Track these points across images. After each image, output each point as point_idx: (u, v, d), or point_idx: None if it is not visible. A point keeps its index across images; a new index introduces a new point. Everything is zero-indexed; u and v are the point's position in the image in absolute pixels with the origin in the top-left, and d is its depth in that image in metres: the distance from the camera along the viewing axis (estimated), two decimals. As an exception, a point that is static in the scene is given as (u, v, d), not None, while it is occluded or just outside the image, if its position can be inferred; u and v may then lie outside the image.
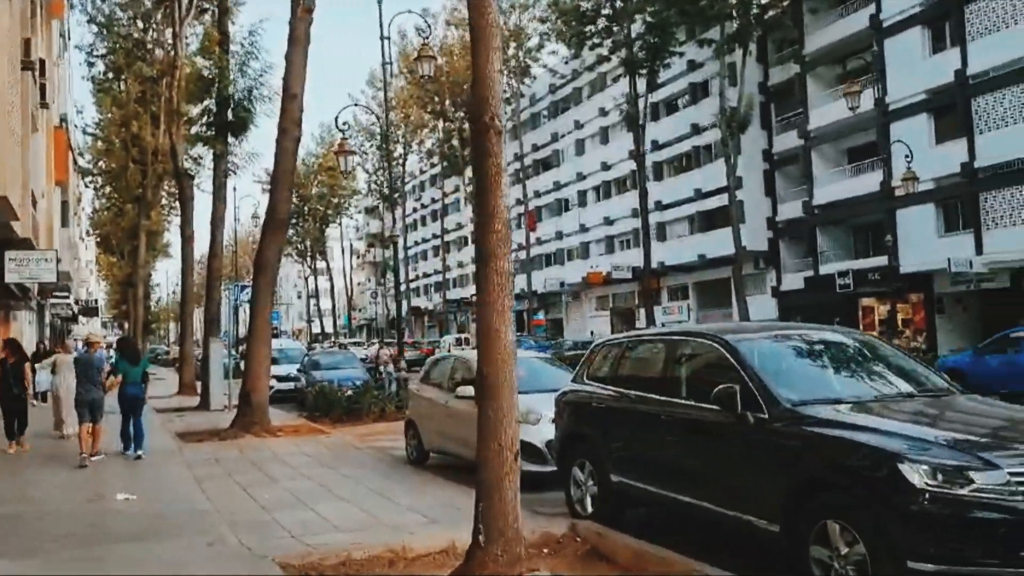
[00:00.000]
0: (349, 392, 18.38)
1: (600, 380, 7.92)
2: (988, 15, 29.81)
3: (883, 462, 4.91)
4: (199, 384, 25.94)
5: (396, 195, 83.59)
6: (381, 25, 19.34)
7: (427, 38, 19.21)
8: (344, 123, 18.38)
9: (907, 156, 25.84)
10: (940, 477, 4.70)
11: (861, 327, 36.00)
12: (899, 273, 32.97)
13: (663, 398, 6.86)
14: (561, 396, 8.44)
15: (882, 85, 33.47)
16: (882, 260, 34.37)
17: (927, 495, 4.69)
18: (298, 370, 23.90)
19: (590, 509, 7.61)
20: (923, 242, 31.87)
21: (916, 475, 4.74)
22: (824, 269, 37.55)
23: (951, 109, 31.30)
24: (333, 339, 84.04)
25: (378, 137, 67.96)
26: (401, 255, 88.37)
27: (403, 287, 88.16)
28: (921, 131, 31.35)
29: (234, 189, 26.82)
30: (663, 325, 43.25)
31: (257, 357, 15.75)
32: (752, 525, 5.76)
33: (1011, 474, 4.65)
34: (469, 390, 10.55)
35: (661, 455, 6.82)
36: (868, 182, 35.12)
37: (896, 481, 4.79)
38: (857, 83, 26.74)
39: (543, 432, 9.72)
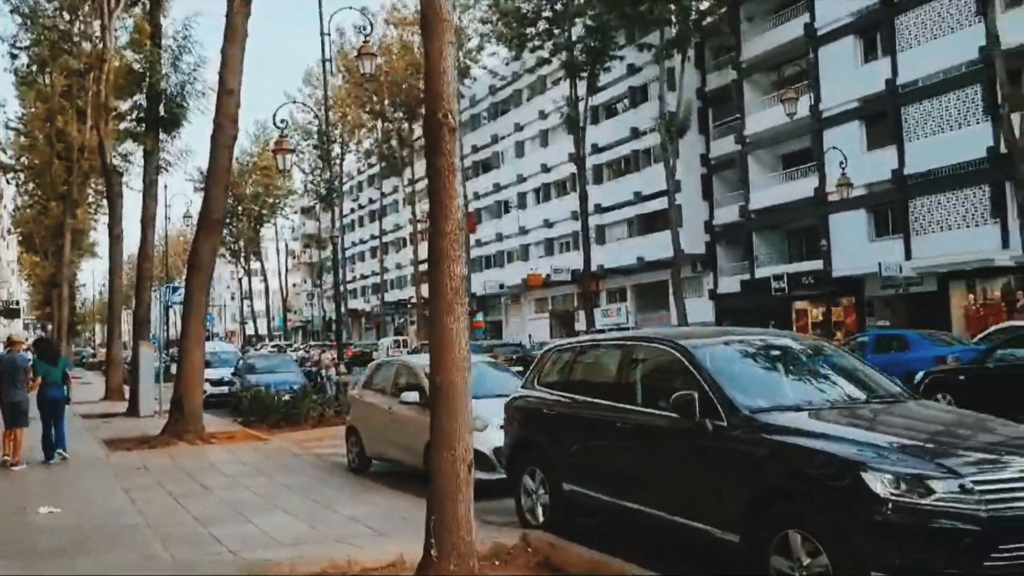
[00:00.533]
0: (287, 397, 17.87)
1: (551, 386, 7.74)
2: (918, 26, 30.67)
3: (846, 471, 4.83)
4: (127, 389, 25.09)
5: (334, 195, 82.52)
6: (321, 21, 19.04)
7: (368, 35, 18.81)
8: (282, 120, 17.86)
9: (841, 162, 26.40)
10: (903, 486, 4.64)
11: (795, 329, 36.71)
12: (831, 277, 33.74)
13: (617, 404, 6.71)
14: (511, 402, 8.24)
15: (816, 92, 34.17)
16: (815, 264, 35.17)
17: (890, 504, 4.61)
18: (232, 374, 23.22)
19: (541, 518, 7.42)
20: (855, 247, 32.62)
21: (879, 484, 4.66)
22: (760, 273, 38.18)
23: (882, 117, 32.12)
24: (274, 342, 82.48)
25: (315, 136, 66.90)
26: (339, 256, 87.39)
27: (335, 289, 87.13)
28: (853, 138, 32.09)
29: (165, 187, 26.25)
30: (605, 328, 43.51)
31: (190, 360, 15.19)
32: (711, 535, 5.64)
33: (973, 482, 4.61)
34: (414, 395, 10.30)
35: (615, 463, 6.67)
36: (802, 187, 35.86)
37: (859, 490, 4.71)
38: (793, 90, 27.22)
39: (491, 439, 9.50)
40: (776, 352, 6.66)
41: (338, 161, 76.47)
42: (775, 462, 5.26)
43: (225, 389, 23.03)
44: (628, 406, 6.61)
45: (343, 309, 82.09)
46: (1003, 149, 27.25)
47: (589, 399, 7.11)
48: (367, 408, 11.70)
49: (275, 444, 14.47)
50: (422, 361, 11.47)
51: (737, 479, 5.44)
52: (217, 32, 19.49)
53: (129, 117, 24.04)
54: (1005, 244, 27.67)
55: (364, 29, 18.77)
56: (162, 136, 22.78)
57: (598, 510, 6.95)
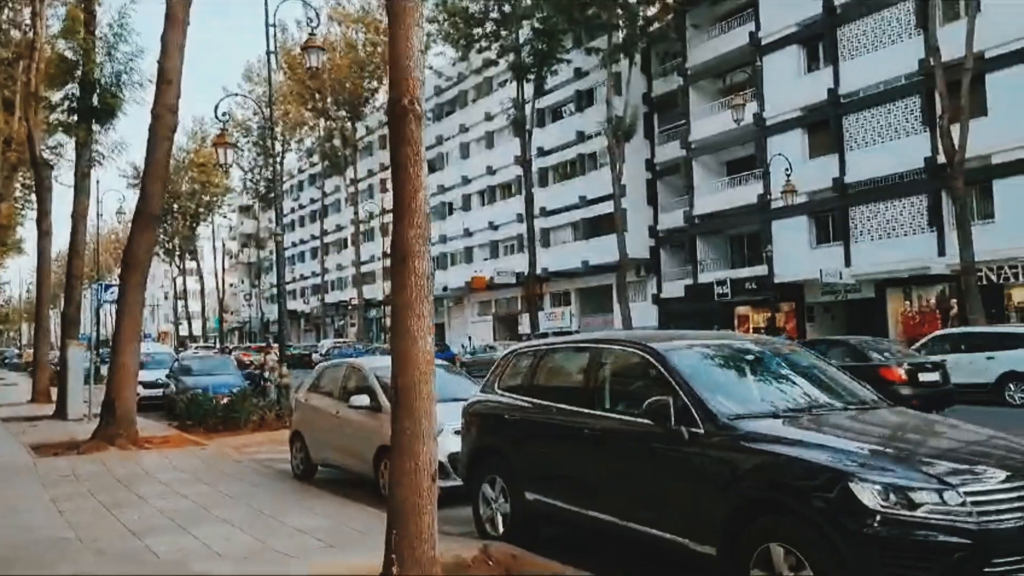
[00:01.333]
0: (225, 400, 17.20)
1: (513, 390, 7.43)
2: (860, 37, 31.25)
3: (832, 481, 4.62)
4: (55, 391, 24.02)
5: (275, 193, 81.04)
6: (267, 12, 18.24)
7: (315, 28, 18.28)
8: (224, 113, 17.22)
9: (787, 169, 26.68)
10: (892, 497, 4.45)
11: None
12: (773, 283, 34.12)
13: (583, 410, 6.43)
14: (469, 407, 7.91)
15: (760, 100, 34.57)
16: (758, 270, 35.55)
17: (879, 516, 4.42)
18: (167, 376, 22.37)
19: (502, 528, 7.11)
20: (796, 253, 33.06)
21: (868, 495, 4.47)
22: (703, 278, 38.50)
23: (824, 126, 32.64)
24: (209, 343, 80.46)
25: (254, 133, 65.51)
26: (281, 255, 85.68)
27: (277, 289, 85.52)
28: (796, 146, 32.52)
29: (97, 182, 25.01)
30: (549, 332, 43.39)
31: (124, 361, 14.46)
32: (686, 547, 5.39)
33: (964, 493, 4.44)
34: (363, 399, 9.90)
35: (583, 471, 6.39)
36: (746, 194, 36.25)
37: (847, 502, 4.51)
38: (741, 96, 27.41)
39: (446, 445, 9.10)
40: (746, 356, 6.46)
41: (279, 159, 75.15)
42: (756, 472, 5.03)
43: (159, 391, 22.18)
44: (595, 412, 6.34)
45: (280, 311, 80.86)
46: (940, 159, 27.93)
47: (553, 404, 6.81)
48: (313, 412, 11.23)
49: (213, 449, 13.86)
50: (372, 363, 11.08)
51: (715, 489, 5.20)
52: (156, 20, 18.77)
53: (61, 108, 22.99)
54: (941, 252, 28.30)
55: (311, 22, 18.20)
56: (96, 128, 21.88)
57: (563, 520, 6.66)
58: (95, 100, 21.29)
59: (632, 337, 6.66)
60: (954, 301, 29.14)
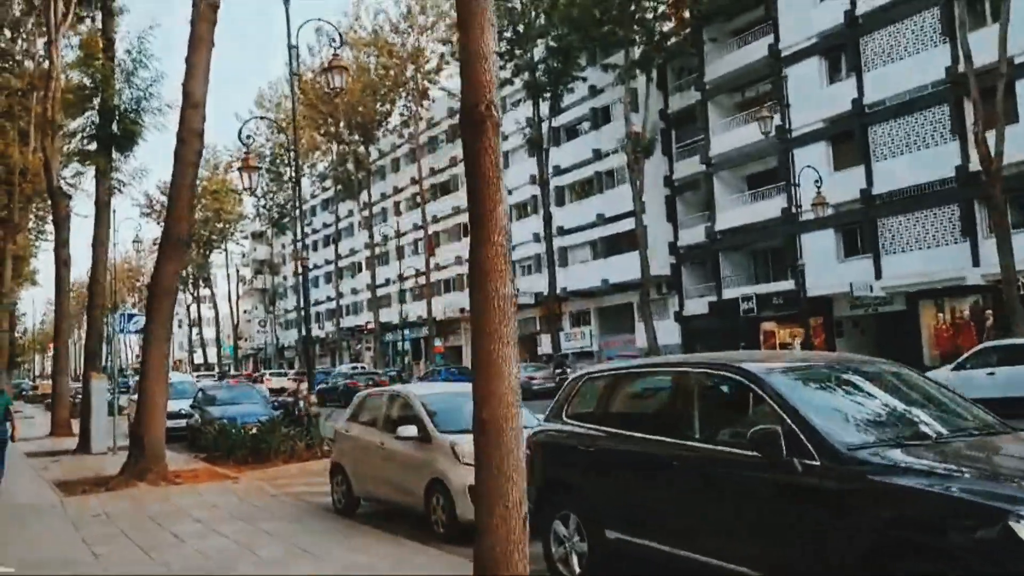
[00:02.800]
0: (254, 430, 16.69)
1: (584, 419, 6.90)
2: (883, 47, 30.78)
3: (990, 519, 4.06)
4: (74, 423, 23.59)
5: (286, 220, 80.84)
6: (289, 33, 17.90)
7: (338, 48, 17.93)
8: (248, 136, 16.84)
9: (817, 181, 26.17)
10: (1061, 536, 3.89)
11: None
12: (805, 297, 33.49)
13: (672, 440, 5.88)
14: (533, 437, 7.35)
15: (783, 113, 34.10)
16: (783, 285, 34.94)
17: (1048, 558, 3.86)
18: (191, 406, 21.90)
19: (578, 569, 6.54)
20: (824, 267, 32.41)
21: (1034, 534, 3.91)
22: (727, 294, 37.88)
23: (849, 137, 32.12)
24: (230, 368, 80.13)
25: (267, 158, 65.44)
26: (292, 281, 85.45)
27: (293, 315, 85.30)
28: (820, 158, 31.95)
29: (113, 212, 24.63)
30: (569, 353, 42.82)
31: (152, 394, 14.00)
32: (804, 594, 4.83)
33: None
34: (411, 429, 9.37)
35: (674, 508, 5.83)
36: (769, 208, 35.72)
37: (1008, 542, 3.95)
38: (767, 108, 26.98)
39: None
40: (850, 377, 5.90)
41: (292, 184, 75.10)
42: (891, 509, 4.48)
43: (183, 422, 21.69)
44: (686, 442, 5.79)
45: (296, 335, 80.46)
46: (972, 168, 27.36)
47: (634, 434, 6.27)
48: (355, 444, 10.70)
49: (246, 483, 13.34)
50: (417, 391, 10.58)
51: (842, 529, 4.65)
52: (176, 45, 18.50)
53: (80, 136, 22.71)
54: (975, 263, 27.65)
55: (333, 42, 17.86)
56: (115, 155, 21.55)
57: (652, 561, 6.09)
58: (115, 127, 20.96)
59: (723, 360, 6.11)
60: (989, 312, 28.43)
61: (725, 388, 5.79)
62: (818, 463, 4.84)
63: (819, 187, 26.17)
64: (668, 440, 5.92)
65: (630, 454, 6.23)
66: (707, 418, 5.88)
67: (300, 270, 77.78)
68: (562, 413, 7.19)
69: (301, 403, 16.90)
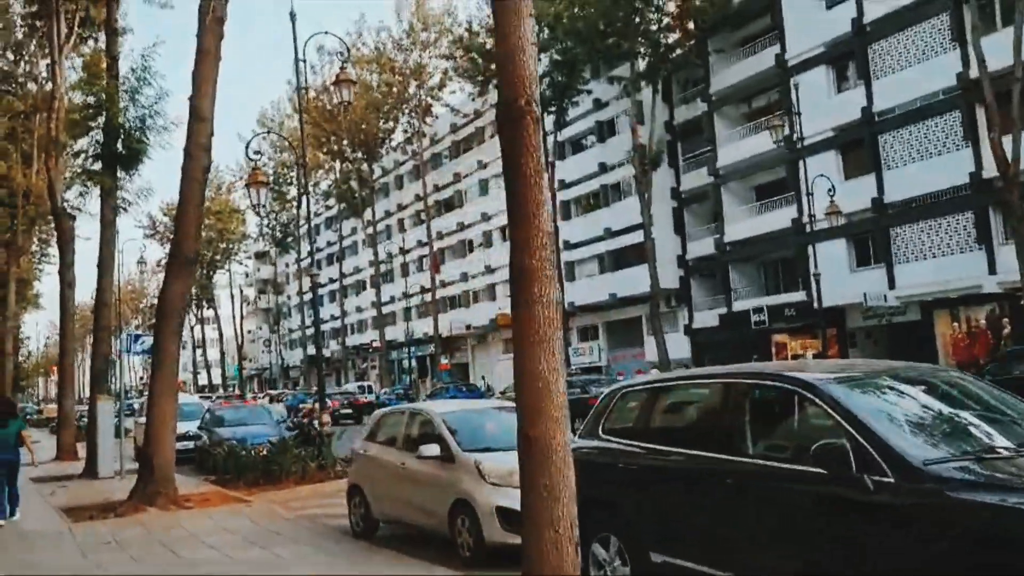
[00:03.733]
0: (264, 452, 16.30)
1: (622, 434, 6.53)
2: (892, 54, 30.54)
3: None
4: (80, 447, 23.22)
5: (289, 239, 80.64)
6: (296, 48, 17.67)
7: (346, 61, 17.67)
8: (256, 152, 16.56)
9: (830, 190, 25.87)
10: None
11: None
12: (814, 308, 33.09)
13: (721, 456, 5.51)
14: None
15: (790, 122, 33.80)
16: (795, 296, 34.57)
17: None
18: (199, 427, 21.52)
19: (621, 595, 6.16)
20: (835, 277, 32.01)
21: None
22: (737, 306, 37.49)
23: (859, 145, 31.82)
24: (233, 389, 79.66)
25: (270, 178, 65.29)
26: (295, 301, 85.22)
27: (298, 334, 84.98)
28: (829, 167, 31.64)
29: (117, 233, 24.49)
30: (576, 369, 42.35)
31: (162, 415, 13.63)
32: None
33: None
34: (433, 449, 8.99)
35: (725, 528, 5.45)
36: (778, 218, 35.40)
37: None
38: (778, 118, 26.72)
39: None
40: (913, 387, 5.53)
41: (295, 203, 74.94)
42: (973, 528, 4.11)
43: (190, 444, 21.28)
44: (737, 458, 5.42)
45: (301, 355, 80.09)
46: (986, 174, 27.04)
47: (679, 450, 5.90)
48: (374, 464, 10.31)
49: (259, 506, 12.93)
50: (439, 408, 10.20)
51: (917, 550, 4.28)
52: (182, 61, 18.26)
53: (84, 154, 22.44)
54: (992, 270, 27.26)
55: (341, 55, 17.62)
56: (120, 174, 21.25)
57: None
58: (119, 146, 20.68)
59: (775, 369, 5.76)
60: (1006, 320, 28.00)
61: (779, 399, 5.42)
62: (892, 480, 4.47)
63: (832, 196, 25.86)
64: (717, 456, 5.54)
65: (675, 471, 5.86)
66: (760, 432, 5.52)
67: (307, 287, 77.20)
68: (598, 429, 6.81)
69: (315, 423, 16.47)
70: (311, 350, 79.76)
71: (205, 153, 14.14)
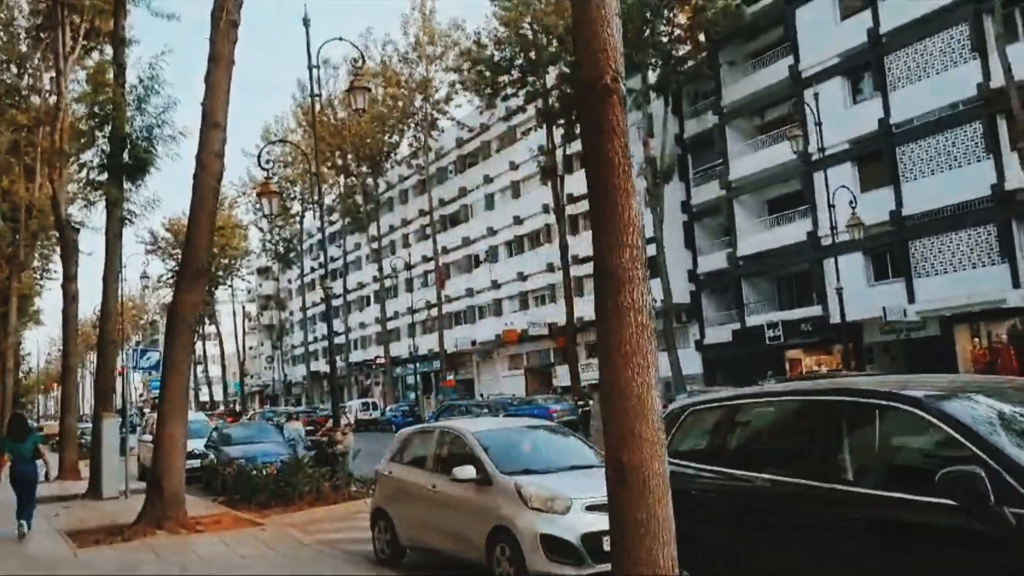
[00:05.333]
0: (275, 471, 15.66)
1: (694, 457, 5.93)
2: (909, 65, 30.05)
3: None
4: (83, 465, 22.57)
5: (292, 254, 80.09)
6: (309, 54, 17.15)
7: (360, 68, 17.16)
8: (267, 162, 16.02)
9: (851, 202, 25.31)
10: None
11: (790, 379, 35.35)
12: (829, 323, 32.49)
13: (816, 483, 4.90)
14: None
15: (805, 134, 33.30)
16: (811, 310, 33.96)
17: None
18: (206, 446, 20.87)
19: (693, 639, 5.52)
20: (852, 291, 31.27)
21: None
22: (751, 321, 36.87)
23: (876, 157, 31.30)
24: (234, 406, 78.86)
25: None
26: (298, 317, 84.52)
27: (300, 350, 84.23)
28: (846, 179, 31.08)
29: (122, 246, 24.10)
30: (586, 385, 41.59)
31: (171, 433, 13.02)
32: None
33: None
34: (468, 471, 8.38)
35: (820, 565, 4.84)
36: (793, 232, 34.86)
37: None
38: (794, 128, 26.20)
39: (575, 523, 7.63)
40: (1018, 404, 4.93)
41: (299, 218, 74.51)
42: None
43: (196, 463, 20.64)
44: (836, 486, 4.82)
45: (304, 371, 79.35)
46: (1008, 186, 26.51)
47: (764, 475, 5.29)
48: (401, 486, 9.69)
49: (273, 530, 12.28)
50: (473, 427, 9.60)
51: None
52: (189, 72, 17.77)
53: (89, 165, 21.91)
54: (1016, 284, 26.67)
55: (355, 61, 17.12)
56: (127, 185, 20.71)
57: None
58: (126, 156, 20.15)
59: (878, 385, 5.16)
60: (1030, 335, 27.40)
61: (886, 419, 4.82)
62: (1037, 512, 3.87)
63: (854, 208, 25.30)
64: (810, 483, 4.94)
65: (761, 499, 5.25)
66: (860, 455, 4.91)
67: (311, 302, 76.52)
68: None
69: (336, 444, 15.80)
70: (314, 366, 79.13)
71: (218, 160, 13.61)
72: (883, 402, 4.84)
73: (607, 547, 7.53)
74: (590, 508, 7.69)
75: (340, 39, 17.38)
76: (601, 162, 4.02)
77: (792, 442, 5.35)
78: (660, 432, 3.87)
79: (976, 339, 29.63)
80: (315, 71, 17.01)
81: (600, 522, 7.67)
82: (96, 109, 21.36)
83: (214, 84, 13.58)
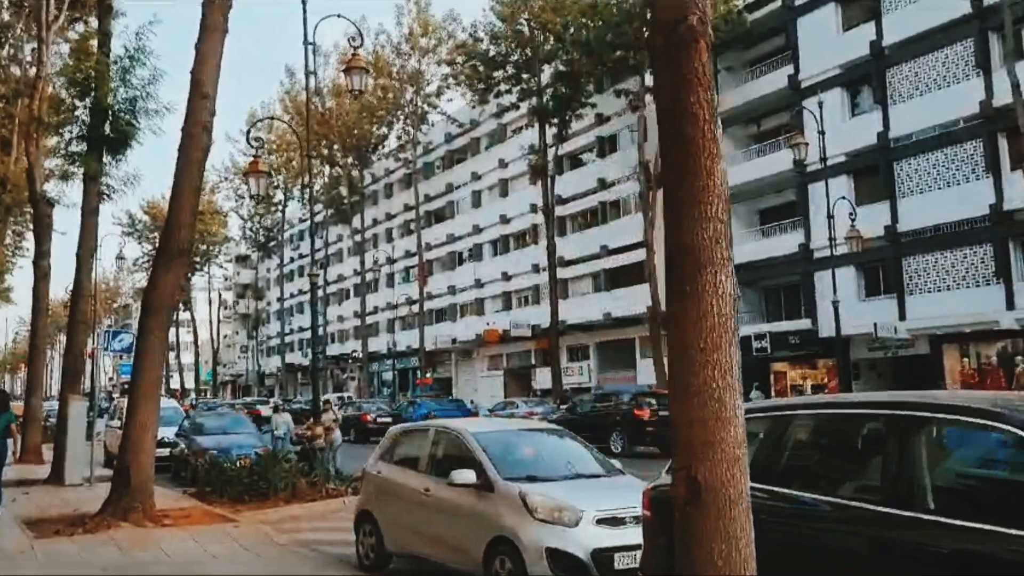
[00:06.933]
0: (251, 464, 14.87)
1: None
2: (911, 79, 29.73)
3: None
4: (46, 449, 21.64)
5: (272, 244, 78.90)
6: (305, 32, 16.42)
7: (358, 47, 16.43)
8: (256, 139, 15.24)
9: (851, 214, 24.88)
10: None
11: (774, 392, 34.91)
12: (817, 337, 32.11)
13: (887, 510, 4.26)
14: (657, 496, 5.72)
15: (799, 146, 32.88)
16: (799, 324, 33.56)
17: None
18: (176, 434, 20.02)
19: None
20: (843, 306, 30.94)
21: None
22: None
23: (872, 171, 30.94)
24: (221, 397, 77.55)
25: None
26: (275, 307, 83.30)
27: (276, 341, 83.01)
28: (841, 192, 30.68)
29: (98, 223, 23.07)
30: (568, 389, 41.12)
31: (141, 420, 12.23)
32: None
33: None
34: (468, 475, 7.70)
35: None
36: (784, 243, 34.48)
37: None
38: (798, 136, 25.75)
39: (585, 537, 6.97)
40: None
41: (281, 208, 73.42)
42: None
43: (166, 452, 19.76)
44: (913, 514, 4.18)
45: (279, 363, 78.16)
46: (1007, 207, 26.22)
47: (821, 498, 4.65)
48: (390, 488, 8.98)
49: (247, 527, 11.51)
50: (473, 427, 8.90)
51: None
52: (178, 43, 16.94)
53: (69, 134, 21.00)
54: (1010, 305, 26.35)
55: (352, 40, 16.37)
56: (106, 158, 19.81)
57: None
58: (107, 128, 19.27)
59: (960, 401, 4.52)
60: (1020, 358, 27.03)
61: (984, 442, 4.19)
62: None
63: (854, 220, 24.86)
64: (876, 509, 4.30)
65: (812, 527, 4.60)
66: (945, 481, 4.28)
67: (290, 292, 75.30)
68: (698, 463, 5.54)
69: (316, 439, 15.02)
70: (289, 358, 77.96)
71: (206, 133, 12.84)
72: (978, 420, 4.21)
73: (619, 565, 6.97)
74: (601, 522, 7.08)
75: (339, 16, 16.63)
76: (682, 117, 3.37)
77: (856, 461, 4.71)
78: (744, 445, 3.22)
79: (965, 359, 29.32)
80: (310, 47, 16.25)
81: (612, 537, 7.06)
82: (78, 76, 20.47)
83: (206, 52, 12.81)
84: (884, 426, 4.56)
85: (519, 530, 7.10)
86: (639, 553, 6.78)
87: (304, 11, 16.36)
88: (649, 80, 35.93)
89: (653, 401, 23.04)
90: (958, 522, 4.02)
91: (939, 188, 28.69)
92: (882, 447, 4.52)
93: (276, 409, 21.30)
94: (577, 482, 7.80)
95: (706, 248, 3.26)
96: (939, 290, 28.82)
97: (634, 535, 6.89)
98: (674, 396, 3.37)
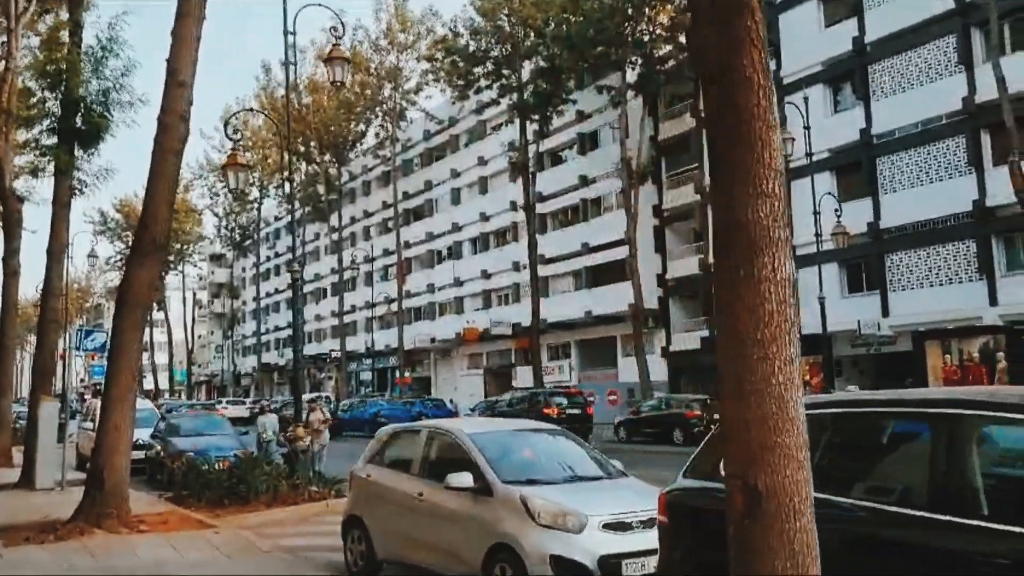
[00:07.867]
0: (230, 467, 14.39)
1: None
2: (894, 76, 29.68)
3: None
4: (16, 452, 20.98)
5: (247, 242, 77.94)
6: (285, 20, 15.95)
7: (340, 37, 15.99)
8: (236, 131, 14.75)
9: (837, 210, 24.78)
10: None
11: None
12: (800, 334, 31.93)
13: (937, 516, 3.94)
14: (674, 500, 5.37)
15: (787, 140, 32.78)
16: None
17: None
18: (152, 436, 19.46)
19: None
20: (825, 303, 30.93)
21: None
22: (720, 329, 36.24)
23: (855, 168, 30.86)
24: (181, 395, 76.53)
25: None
26: (251, 306, 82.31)
27: (251, 341, 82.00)
28: (824, 189, 30.58)
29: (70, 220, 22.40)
30: (547, 387, 40.69)
31: (116, 422, 11.72)
32: None
33: None
34: (465, 478, 7.32)
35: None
36: (766, 240, 34.31)
37: None
38: (788, 132, 25.57)
39: (591, 543, 6.62)
40: None
41: (256, 205, 72.50)
42: None
43: (141, 454, 19.19)
44: (966, 521, 3.85)
45: (255, 362, 77.25)
46: (989, 203, 26.20)
47: (865, 503, 4.31)
48: (380, 492, 8.58)
49: (228, 533, 11.05)
50: (469, 427, 8.50)
51: None
52: (153, 34, 16.39)
53: (40, 126, 20.37)
54: (992, 301, 26.36)
55: (335, 30, 15.92)
56: (78, 152, 19.21)
57: None
58: (78, 120, 18.67)
59: (1008, 396, 4.20)
60: (1001, 354, 27.08)
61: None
62: None
63: (839, 216, 24.72)
64: (936, 518, 3.96)
65: (862, 534, 4.26)
66: (1004, 490, 3.96)
67: (267, 291, 74.31)
68: (720, 464, 5.19)
69: (301, 440, 14.54)
70: (265, 358, 77.08)
71: (183, 122, 12.34)
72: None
73: (627, 572, 6.62)
74: (608, 527, 6.73)
75: (319, 4, 16.17)
76: (734, 80, 3.00)
77: (905, 464, 4.38)
78: (806, 448, 2.87)
79: (947, 356, 29.30)
80: (290, 37, 15.78)
81: (619, 543, 6.70)
82: (48, 67, 19.83)
83: (182, 38, 12.33)
84: (942, 428, 4.20)
85: (521, 536, 6.74)
86: (649, 560, 6.47)
87: (284, 3, 15.87)
88: (631, 76, 35.72)
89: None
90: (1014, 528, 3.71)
91: (922, 184, 28.66)
92: (945, 451, 4.17)
93: (262, 410, 20.74)
94: (580, 485, 7.46)
95: (763, 226, 2.91)
96: (922, 286, 28.80)
97: (642, 541, 6.58)
98: (725, 394, 3.01)
